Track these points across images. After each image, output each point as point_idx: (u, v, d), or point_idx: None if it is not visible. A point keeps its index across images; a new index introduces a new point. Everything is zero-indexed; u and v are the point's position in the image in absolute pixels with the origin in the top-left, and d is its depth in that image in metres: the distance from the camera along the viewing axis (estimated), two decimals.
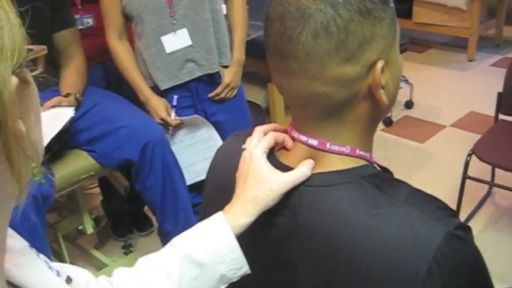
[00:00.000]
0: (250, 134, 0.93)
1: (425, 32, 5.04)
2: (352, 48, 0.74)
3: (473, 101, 4.00)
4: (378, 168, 0.87)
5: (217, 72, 2.27)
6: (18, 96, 0.52)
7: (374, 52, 0.75)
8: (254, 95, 3.33)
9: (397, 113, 3.96)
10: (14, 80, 0.51)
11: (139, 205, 2.87)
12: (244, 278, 0.88)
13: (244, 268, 0.87)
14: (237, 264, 0.86)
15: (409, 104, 4.06)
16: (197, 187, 2.31)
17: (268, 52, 0.81)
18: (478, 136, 2.64)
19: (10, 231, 0.73)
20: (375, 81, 0.76)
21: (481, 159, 2.45)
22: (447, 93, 4.25)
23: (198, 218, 2.16)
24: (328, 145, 0.81)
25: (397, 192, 0.79)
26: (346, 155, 0.82)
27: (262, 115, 3.36)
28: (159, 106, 2.22)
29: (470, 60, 4.78)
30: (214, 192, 1.04)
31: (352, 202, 0.78)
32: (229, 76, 2.28)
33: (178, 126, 2.28)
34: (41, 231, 1.86)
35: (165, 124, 2.24)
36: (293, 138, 0.86)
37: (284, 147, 0.88)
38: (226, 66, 2.30)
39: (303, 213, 0.82)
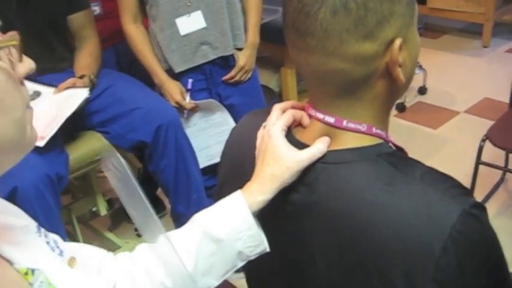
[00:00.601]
0: (266, 113, 0.93)
1: (439, 18, 4.99)
2: (370, 25, 0.74)
3: (488, 87, 3.96)
4: (393, 147, 0.87)
5: (232, 55, 2.27)
6: None
7: (392, 30, 0.75)
8: (267, 79, 3.32)
9: (410, 98, 3.94)
10: None
11: (152, 187, 2.88)
12: (260, 255, 0.89)
13: (262, 246, 0.87)
14: (254, 241, 0.87)
15: (422, 90, 4.04)
16: (210, 170, 2.33)
17: (286, 29, 0.81)
18: (492, 122, 2.62)
19: (15, 210, 0.76)
20: (392, 59, 0.76)
21: (495, 145, 2.44)
22: (461, 79, 4.22)
23: (211, 200, 2.18)
24: (344, 123, 0.82)
25: (412, 171, 0.79)
26: (363, 132, 0.82)
27: (275, 99, 3.36)
28: (174, 90, 2.23)
29: (485, 47, 4.74)
30: (230, 170, 1.04)
31: (367, 179, 0.79)
32: (244, 59, 2.28)
33: (193, 110, 2.28)
34: (55, 212, 1.88)
35: (180, 107, 2.24)
36: (310, 116, 0.86)
37: (300, 125, 0.88)
38: (240, 49, 2.29)
39: (319, 190, 0.82)
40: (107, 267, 0.91)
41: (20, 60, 0.61)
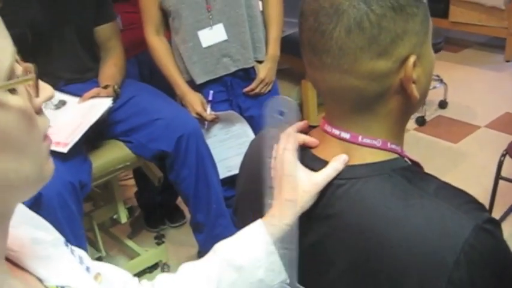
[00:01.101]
0: (278, 131, 0.96)
1: (461, 32, 4.98)
2: (384, 43, 0.76)
3: (509, 101, 3.94)
4: (409, 162, 0.89)
5: (252, 68, 2.31)
6: None
7: (406, 47, 0.77)
8: (287, 91, 3.35)
9: (430, 112, 3.93)
10: None
11: (172, 197, 2.92)
12: None
13: (282, 275, 0.87)
14: (274, 269, 0.87)
15: (443, 104, 4.03)
16: (229, 181, 2.35)
17: (302, 47, 0.83)
18: None
19: (43, 223, 0.75)
20: (406, 76, 0.78)
21: None
22: (482, 93, 4.20)
23: (229, 210, 2.19)
24: (360, 138, 0.83)
25: (426, 185, 0.80)
26: (378, 148, 0.84)
27: None
28: (195, 101, 2.26)
29: (507, 61, 4.71)
30: (247, 183, 1.06)
31: (382, 194, 0.80)
32: (264, 71, 2.31)
33: (214, 121, 2.32)
34: (78, 219, 1.92)
35: (201, 118, 2.27)
36: (326, 132, 0.88)
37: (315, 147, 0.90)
38: (261, 62, 2.32)
39: (335, 205, 0.84)
40: None
41: (37, 94, 0.60)
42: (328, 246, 0.85)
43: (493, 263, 0.75)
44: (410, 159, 0.89)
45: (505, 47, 4.70)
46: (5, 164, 0.55)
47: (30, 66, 0.58)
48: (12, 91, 0.55)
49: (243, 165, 1.11)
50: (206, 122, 2.30)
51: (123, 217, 2.48)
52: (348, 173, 0.84)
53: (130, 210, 2.77)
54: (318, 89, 0.85)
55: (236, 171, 2.29)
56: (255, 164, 1.05)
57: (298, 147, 0.89)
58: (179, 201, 2.90)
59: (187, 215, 2.79)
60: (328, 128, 0.87)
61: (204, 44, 2.21)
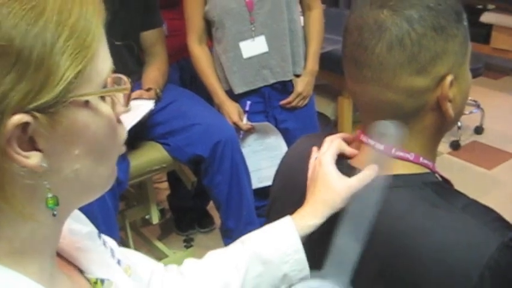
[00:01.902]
0: (320, 137, 1.00)
1: (502, 58, 4.94)
2: (423, 61, 0.79)
3: None
4: (440, 178, 0.92)
5: (290, 81, 2.34)
6: (45, 129, 0.54)
7: (444, 67, 0.81)
8: (324, 106, 3.38)
9: (465, 137, 3.91)
10: (18, 118, 0.52)
11: (203, 202, 2.97)
12: None
13: (305, 271, 0.91)
14: (299, 265, 0.90)
15: (478, 130, 4.00)
16: (260, 192, 2.39)
17: (344, 61, 0.87)
18: None
19: (79, 216, 0.78)
20: (443, 94, 0.82)
21: None
22: None
23: (260, 219, 2.22)
24: (393, 151, 0.87)
25: (456, 200, 0.83)
26: (411, 161, 0.87)
27: (329, 126, 3.41)
28: (232, 110, 2.31)
29: None
30: (281, 188, 1.10)
31: (412, 204, 0.83)
32: (302, 85, 2.35)
33: (249, 131, 2.36)
34: (113, 214, 1.99)
35: (237, 128, 2.32)
36: (362, 142, 0.91)
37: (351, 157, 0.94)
38: (298, 76, 2.37)
39: None
40: (157, 281, 0.94)
41: (126, 104, 0.64)
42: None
43: None
44: (441, 176, 0.92)
45: None
46: (90, 166, 0.60)
47: (121, 77, 0.62)
48: (102, 99, 0.59)
49: (278, 172, 1.14)
50: (241, 132, 2.35)
51: (155, 218, 2.53)
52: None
53: (161, 212, 2.83)
54: (357, 102, 0.89)
55: (267, 183, 2.36)
56: (290, 171, 1.09)
57: (337, 153, 0.93)
58: (210, 207, 2.95)
59: (217, 222, 2.84)
60: (364, 138, 0.90)
61: (245, 55, 2.26)
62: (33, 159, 0.54)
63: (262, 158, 2.42)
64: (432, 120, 0.85)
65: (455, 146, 3.75)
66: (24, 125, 0.53)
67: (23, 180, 0.55)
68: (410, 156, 0.87)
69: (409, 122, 0.85)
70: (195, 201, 2.95)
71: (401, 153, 0.87)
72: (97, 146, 0.60)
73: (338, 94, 3.34)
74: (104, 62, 0.60)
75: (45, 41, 0.52)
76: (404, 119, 0.85)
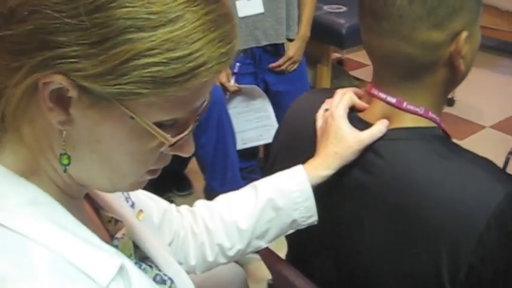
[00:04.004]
0: (323, 93, 1.02)
1: None
2: (442, 15, 0.82)
3: None
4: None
5: (282, 44, 2.36)
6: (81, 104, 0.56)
7: (460, 23, 0.84)
8: None
9: None
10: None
11: (182, 165, 2.97)
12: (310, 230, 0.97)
13: (313, 217, 0.96)
14: (308, 212, 0.95)
15: (450, 102, 4.08)
16: (244, 154, 2.41)
17: (362, 13, 0.89)
18: None
19: None
20: (457, 50, 0.85)
21: None
22: (489, 95, 4.26)
23: (244, 181, 2.24)
24: (405, 104, 0.90)
25: (464, 153, 0.88)
26: (420, 115, 0.90)
27: None
28: None
29: None
30: (285, 143, 1.12)
31: (422, 155, 0.87)
32: (293, 50, 2.36)
33: (236, 93, 2.36)
34: None
35: (224, 89, 2.32)
36: (372, 95, 0.94)
37: (362, 111, 0.96)
38: (291, 40, 2.38)
39: (376, 164, 0.90)
40: (168, 221, 0.98)
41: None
42: (365, 207, 0.91)
43: None
44: (444, 131, 0.96)
45: None
46: (104, 168, 0.62)
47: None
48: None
49: (281, 127, 1.16)
50: (228, 93, 2.35)
51: None
52: (390, 135, 0.90)
53: None
54: (372, 55, 0.91)
55: (251, 144, 2.36)
56: (294, 126, 1.11)
57: (348, 106, 0.95)
58: (187, 171, 2.96)
59: (195, 185, 2.86)
60: (375, 91, 0.93)
61: (240, 14, 2.25)
62: (56, 114, 0.56)
63: (247, 119, 2.42)
64: (443, 75, 0.89)
65: None
66: (64, 89, 0.55)
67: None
68: (420, 110, 0.90)
69: (421, 76, 0.88)
70: (173, 164, 2.93)
71: (411, 107, 0.90)
72: (112, 157, 0.61)
73: (317, 62, 3.35)
74: (189, 104, 0.59)
75: (146, 44, 0.52)
76: (417, 73, 0.88)
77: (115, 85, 0.53)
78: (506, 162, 2.61)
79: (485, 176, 0.83)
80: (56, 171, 0.62)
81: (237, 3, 2.24)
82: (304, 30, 2.39)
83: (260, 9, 2.25)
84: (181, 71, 0.54)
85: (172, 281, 0.77)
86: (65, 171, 0.61)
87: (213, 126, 2.20)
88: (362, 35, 0.91)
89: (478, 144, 3.56)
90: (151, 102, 0.55)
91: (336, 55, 4.37)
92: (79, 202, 0.69)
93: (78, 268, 0.57)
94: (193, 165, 2.81)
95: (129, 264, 0.64)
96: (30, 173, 0.61)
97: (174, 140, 0.59)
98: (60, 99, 0.55)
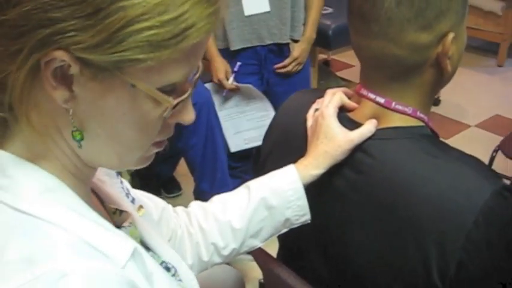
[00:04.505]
0: (313, 93, 1.03)
1: None
2: (429, 17, 0.84)
3: (499, 104, 4.05)
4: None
5: (287, 46, 2.37)
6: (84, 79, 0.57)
7: (447, 24, 0.85)
8: None
9: None
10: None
11: (170, 167, 2.97)
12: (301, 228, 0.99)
13: (306, 216, 0.97)
14: (301, 211, 0.96)
15: (436, 101, 4.12)
16: (237, 153, 2.43)
17: (351, 15, 0.91)
18: (502, 138, 2.70)
19: None
20: (444, 51, 0.87)
21: (507, 156, 2.53)
22: (474, 95, 4.30)
23: (234, 181, 2.23)
24: (393, 104, 0.92)
25: (452, 151, 0.89)
26: (408, 115, 0.92)
27: None
28: (219, 67, 2.31)
29: (499, 66, 4.81)
30: (276, 142, 1.13)
31: (411, 154, 0.88)
32: (299, 51, 2.38)
33: (233, 91, 2.37)
34: None
35: (221, 85, 2.34)
36: (362, 96, 0.95)
37: (352, 110, 0.98)
38: (296, 41, 2.39)
39: (365, 163, 0.92)
40: (166, 219, 0.99)
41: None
42: (355, 206, 0.92)
43: (509, 227, 0.81)
44: (432, 130, 0.98)
45: (498, 52, 4.80)
46: (109, 142, 0.63)
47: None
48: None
49: (272, 126, 1.17)
50: (225, 90, 2.35)
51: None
52: (379, 134, 0.92)
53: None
54: (360, 56, 0.93)
55: (253, 144, 2.37)
56: (285, 126, 1.12)
57: (338, 106, 0.97)
58: (176, 173, 2.96)
59: (184, 187, 2.86)
60: (364, 92, 0.95)
61: (246, 12, 2.26)
62: (60, 93, 0.58)
63: (249, 118, 2.43)
64: (430, 76, 0.90)
65: None
66: (66, 66, 0.56)
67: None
68: (409, 110, 0.92)
69: (409, 77, 0.90)
70: (162, 166, 2.95)
71: (400, 107, 0.92)
72: (118, 129, 0.62)
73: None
74: (184, 67, 0.60)
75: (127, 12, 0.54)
76: (405, 74, 0.90)
77: (113, 53, 0.55)
78: (492, 160, 2.63)
79: (472, 173, 0.85)
80: (65, 154, 0.64)
81: (244, 2, 2.26)
82: (310, 32, 2.41)
83: (266, 7, 2.26)
84: (174, 33, 0.56)
85: (176, 270, 0.78)
86: (80, 147, 0.63)
87: (202, 128, 2.21)
88: (351, 36, 0.93)
89: (463, 143, 3.59)
90: (149, 68, 0.57)
91: (322, 56, 4.40)
92: (88, 189, 0.71)
93: (96, 248, 0.59)
94: (181, 168, 2.83)
95: (141, 249, 0.67)
96: (41, 158, 0.63)
97: (175, 101, 0.61)
98: (63, 77, 0.57)
